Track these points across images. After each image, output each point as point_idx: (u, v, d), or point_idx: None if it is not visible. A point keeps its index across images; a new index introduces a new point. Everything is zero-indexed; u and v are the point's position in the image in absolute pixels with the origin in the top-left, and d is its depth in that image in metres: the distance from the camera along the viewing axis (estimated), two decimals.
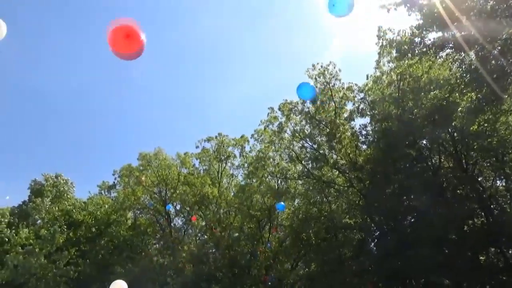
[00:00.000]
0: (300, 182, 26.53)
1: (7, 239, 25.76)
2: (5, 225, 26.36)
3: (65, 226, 28.93)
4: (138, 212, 31.89)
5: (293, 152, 25.53)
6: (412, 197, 21.01)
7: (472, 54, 15.24)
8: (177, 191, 29.59)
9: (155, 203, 30.51)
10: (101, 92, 67.61)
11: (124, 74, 70.12)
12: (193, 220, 28.27)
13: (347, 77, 24.24)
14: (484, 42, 13.85)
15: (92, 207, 32.53)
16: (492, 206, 18.84)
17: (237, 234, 26.69)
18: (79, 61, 64.15)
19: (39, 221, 29.00)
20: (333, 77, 23.78)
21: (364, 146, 24.24)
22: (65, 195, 32.46)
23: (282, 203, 20.00)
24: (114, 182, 32.92)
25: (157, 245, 32.51)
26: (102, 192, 33.97)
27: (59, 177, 32.03)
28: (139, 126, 69.57)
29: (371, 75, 23.26)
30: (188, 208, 29.98)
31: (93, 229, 31.71)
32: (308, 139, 24.92)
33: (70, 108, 66.84)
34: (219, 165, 31.26)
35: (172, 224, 31.08)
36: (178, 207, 31.51)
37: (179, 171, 30.93)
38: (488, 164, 19.55)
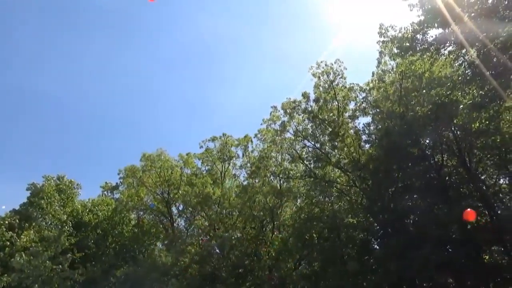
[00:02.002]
0: (302, 182, 26.42)
1: (8, 242, 25.79)
2: (5, 229, 26.35)
3: (72, 228, 29.07)
4: (142, 213, 32.01)
5: (295, 152, 25.42)
6: (415, 196, 20.86)
7: (474, 51, 15.11)
8: (180, 192, 29.65)
9: (158, 204, 30.60)
10: (104, 94, 68.04)
11: (128, 77, 70.38)
12: None
13: (349, 76, 24.02)
14: (485, 38, 13.73)
15: (99, 208, 32.70)
16: (495, 204, 18.65)
17: (240, 235, 26.63)
18: (82, 64, 64.62)
19: (43, 223, 29.17)
20: (338, 75, 23.60)
21: (367, 145, 24.11)
22: (72, 197, 32.60)
23: None
24: (117, 183, 33.05)
25: (161, 245, 32.59)
26: (105, 193, 34.11)
27: (61, 179, 32.13)
28: (142, 128, 69.94)
29: (375, 73, 23.13)
30: (190, 209, 30.01)
31: (99, 231, 31.91)
32: (310, 138, 24.80)
33: (72, 109, 67.26)
34: (222, 165, 31.25)
35: (175, 225, 31.13)
36: (180, 207, 31.60)
37: (181, 172, 30.99)
38: (492, 162, 19.33)
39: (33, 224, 28.37)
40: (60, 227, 27.67)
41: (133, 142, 69.34)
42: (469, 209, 15.45)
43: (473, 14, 13.63)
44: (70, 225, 29.05)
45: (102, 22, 66.82)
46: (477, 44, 14.15)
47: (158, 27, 71.71)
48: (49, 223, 30.19)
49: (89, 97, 68.34)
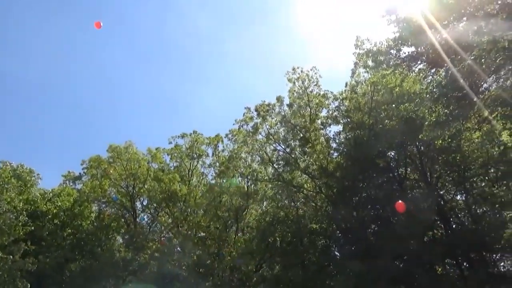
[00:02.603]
0: (269, 185, 26.56)
1: None
2: None
3: (27, 218, 27.65)
4: (104, 205, 31.04)
5: (266, 154, 25.52)
6: (377, 206, 21.43)
7: (442, 71, 15.75)
8: (145, 187, 29.03)
9: (122, 197, 29.81)
10: (72, 80, 65.68)
11: (102, 66, 68.27)
12: None
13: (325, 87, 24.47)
14: (456, 58, 14.33)
15: (59, 198, 31.35)
16: (451, 219, 19.47)
17: (203, 234, 26.39)
18: (51, 47, 62.09)
19: None
20: (313, 82, 23.96)
21: (336, 154, 24.56)
22: (31, 185, 31.03)
23: None
24: (80, 173, 31.91)
25: (122, 240, 31.73)
26: (67, 182, 32.80)
27: (21, 167, 30.55)
28: (113, 120, 68.00)
29: (349, 83, 23.62)
30: (155, 205, 29.47)
31: (56, 221, 30.59)
32: (281, 142, 24.99)
33: (41, 97, 64.46)
34: (190, 163, 30.88)
35: (137, 220, 30.43)
36: (145, 202, 30.93)
37: (148, 166, 30.35)
38: (451, 179, 20.21)
39: None
40: (14, 215, 26.24)
41: (102, 134, 67.11)
42: (400, 201, 17.13)
43: (444, 35, 14.18)
44: (25, 214, 27.64)
45: (72, 7, 64.31)
46: (445, 66, 14.74)
47: (137, 19, 70.13)
48: (4, 210, 28.62)
49: (56, 82, 65.59)
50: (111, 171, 29.70)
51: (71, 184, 32.93)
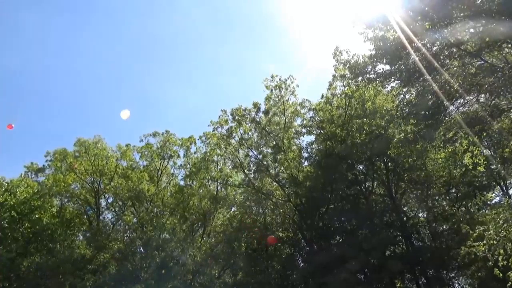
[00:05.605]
0: (239, 190, 26.49)
1: None
2: None
3: None
4: (66, 200, 29.86)
5: (238, 159, 25.46)
6: (343, 218, 21.78)
7: (413, 91, 16.26)
8: (112, 184, 28.18)
9: (86, 193, 28.81)
10: (49, 71, 63.42)
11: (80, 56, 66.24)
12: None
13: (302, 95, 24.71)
14: (427, 79, 14.80)
15: (18, 189, 29.88)
16: (412, 235, 20.02)
17: (168, 236, 25.88)
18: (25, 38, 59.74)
19: None
20: (290, 92, 24.16)
21: (307, 163, 24.83)
22: None
23: None
24: (44, 165, 30.61)
25: (83, 237, 30.61)
26: (29, 174, 31.37)
27: None
28: (83, 115, 65.75)
29: (324, 95, 23.96)
30: (120, 203, 28.65)
31: (13, 213, 29.15)
32: (253, 148, 25.03)
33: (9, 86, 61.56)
34: (160, 163, 30.30)
35: (101, 217, 29.48)
36: (110, 200, 30.04)
37: (117, 163, 29.51)
38: (414, 196, 20.85)
39: None
40: None
41: (73, 127, 64.24)
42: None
43: (418, 57, 14.64)
44: None
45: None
46: (416, 86, 15.21)
47: (120, 12, 68.68)
48: None
49: (30, 67, 62.93)
50: (76, 166, 28.66)
51: (33, 176, 31.55)
